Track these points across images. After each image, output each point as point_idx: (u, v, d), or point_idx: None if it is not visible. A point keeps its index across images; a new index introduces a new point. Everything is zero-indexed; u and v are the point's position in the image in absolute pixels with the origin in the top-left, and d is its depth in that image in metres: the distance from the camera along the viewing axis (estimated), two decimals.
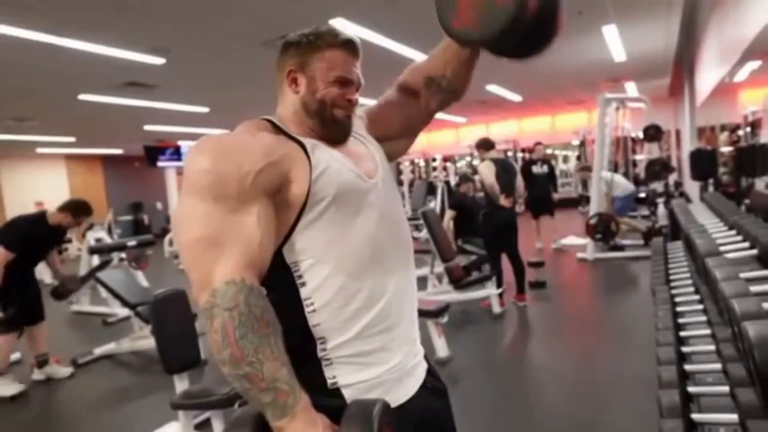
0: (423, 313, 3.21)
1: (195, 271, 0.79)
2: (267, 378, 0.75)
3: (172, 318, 2.34)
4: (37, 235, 3.45)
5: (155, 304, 2.31)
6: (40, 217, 3.53)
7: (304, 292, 0.86)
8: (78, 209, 3.58)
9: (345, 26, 4.22)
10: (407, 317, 0.96)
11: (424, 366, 0.99)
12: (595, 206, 6.12)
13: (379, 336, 0.89)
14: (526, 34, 0.92)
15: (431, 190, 9.87)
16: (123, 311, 4.85)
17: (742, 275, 1.36)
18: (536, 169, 6.97)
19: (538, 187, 6.88)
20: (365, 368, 0.87)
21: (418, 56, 5.55)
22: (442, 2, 0.92)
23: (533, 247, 6.75)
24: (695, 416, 1.31)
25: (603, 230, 5.88)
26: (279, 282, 0.86)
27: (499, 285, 4.33)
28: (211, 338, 0.76)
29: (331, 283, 0.86)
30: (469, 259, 5.08)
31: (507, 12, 0.85)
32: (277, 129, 0.92)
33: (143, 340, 3.94)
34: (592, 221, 5.95)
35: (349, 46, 0.96)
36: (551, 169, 7.23)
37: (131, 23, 3.92)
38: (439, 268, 4.50)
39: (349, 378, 0.86)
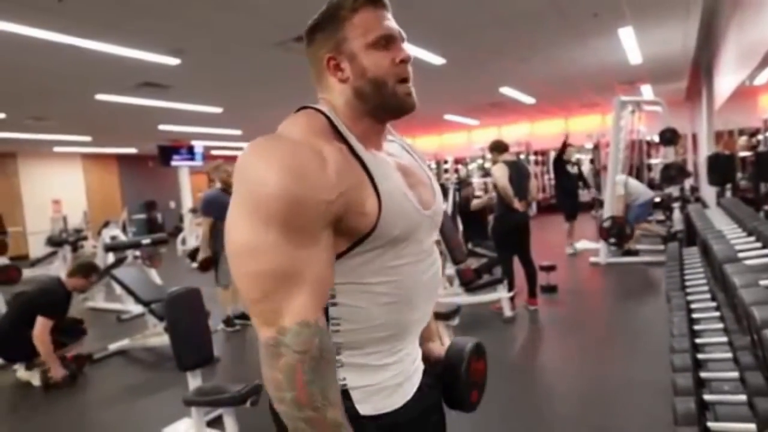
0: (434, 316, 3.20)
1: (261, 305, 0.74)
2: (329, 422, 0.74)
3: (186, 316, 2.37)
4: (62, 303, 3.59)
5: (169, 301, 2.33)
6: (58, 283, 3.66)
7: (332, 312, 0.84)
8: (85, 270, 3.71)
9: None
10: (417, 337, 0.97)
11: (421, 367, 1.00)
12: (609, 209, 6.06)
13: (392, 354, 0.89)
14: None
15: (443, 192, 9.84)
16: (137, 308, 4.91)
17: (762, 282, 1.34)
18: (569, 169, 6.95)
19: (573, 187, 6.88)
20: (375, 373, 0.88)
21: (427, 56, 5.56)
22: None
23: (553, 252, 6.69)
24: (711, 425, 1.29)
25: (617, 233, 5.82)
26: None
27: (510, 288, 4.31)
28: (272, 376, 0.73)
29: (361, 311, 0.84)
30: (480, 261, 5.06)
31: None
32: (334, 129, 0.84)
33: (157, 337, 3.99)
34: (606, 224, 5.90)
35: (372, 1, 0.86)
36: (580, 169, 7.23)
37: (147, 24, 3.98)
38: (450, 270, 4.49)
39: (358, 381, 0.86)
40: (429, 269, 0.92)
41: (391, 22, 0.88)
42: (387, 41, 0.86)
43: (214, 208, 4.19)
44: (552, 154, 12.48)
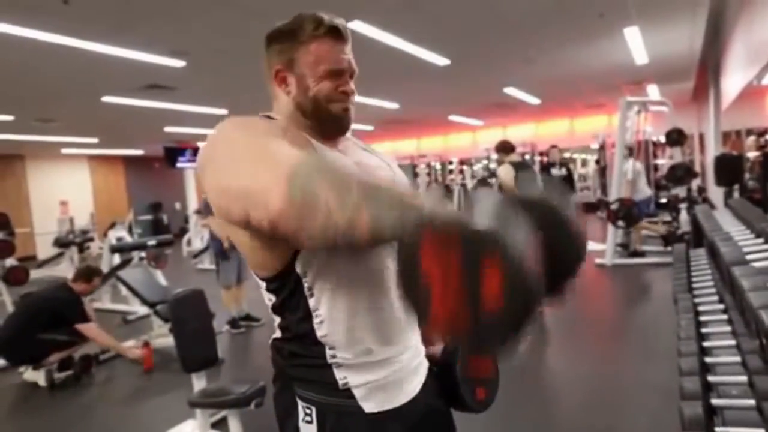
0: None
1: (258, 182, 0.69)
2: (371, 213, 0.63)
3: (191, 317, 2.37)
4: (73, 308, 3.62)
5: (174, 303, 2.34)
6: (66, 288, 3.70)
7: (312, 303, 0.85)
8: (86, 274, 3.75)
9: (363, 28, 4.23)
10: (412, 326, 0.96)
11: (425, 365, 1.00)
12: (616, 192, 6.04)
13: (386, 347, 0.89)
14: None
15: (448, 193, 9.84)
16: (142, 309, 4.93)
17: None
18: (555, 171, 6.91)
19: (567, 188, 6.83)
20: (373, 371, 0.88)
21: (432, 57, 5.55)
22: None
23: None
24: (719, 429, 1.27)
25: (625, 215, 5.79)
26: (290, 290, 0.86)
27: None
28: (324, 198, 0.64)
29: (339, 297, 0.85)
30: None
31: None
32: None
33: (162, 338, 4.00)
34: (614, 206, 5.87)
35: (334, 33, 0.89)
36: (569, 171, 7.17)
37: (152, 27, 4.00)
38: None
39: (359, 379, 0.87)
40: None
41: (346, 57, 0.91)
42: (336, 74, 0.90)
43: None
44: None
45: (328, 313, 0.85)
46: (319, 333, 0.86)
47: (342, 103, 0.91)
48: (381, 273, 0.89)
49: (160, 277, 5.81)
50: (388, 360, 0.89)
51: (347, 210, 0.63)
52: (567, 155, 12.07)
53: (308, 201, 0.65)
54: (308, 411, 0.87)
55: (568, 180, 7.14)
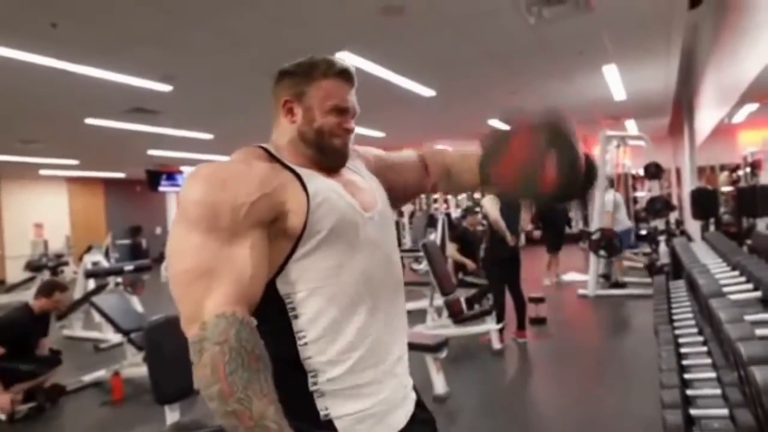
0: (421, 348, 3.15)
1: (184, 303, 0.79)
2: (255, 416, 0.74)
3: (167, 346, 2.30)
4: (24, 327, 3.50)
5: (149, 330, 2.27)
6: (23, 309, 3.60)
7: (296, 325, 0.86)
8: (47, 289, 3.65)
9: (351, 59, 4.31)
10: (396, 350, 0.96)
11: (413, 397, 0.99)
12: (597, 222, 6.13)
13: (370, 370, 0.89)
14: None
15: (431, 222, 9.89)
16: (116, 337, 4.77)
17: (747, 318, 1.35)
18: None
19: (558, 219, 6.92)
20: (357, 399, 0.87)
21: (417, 88, 5.66)
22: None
23: (538, 283, 6.70)
24: None
25: (606, 245, 5.86)
26: (271, 314, 0.85)
27: (499, 320, 4.28)
28: (200, 373, 0.76)
29: (324, 316, 0.86)
30: (468, 292, 5.04)
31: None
32: (272, 157, 0.93)
33: (135, 367, 3.87)
34: (595, 236, 5.94)
35: (344, 75, 0.97)
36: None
37: (139, 50, 4.02)
38: (439, 301, 4.46)
39: (342, 409, 0.85)
40: (383, 268, 0.95)
41: (351, 98, 0.98)
42: (340, 111, 0.96)
43: None
44: None
45: (314, 334, 0.85)
46: (303, 355, 0.85)
47: (342, 138, 0.97)
48: (372, 293, 0.90)
49: (137, 304, 5.67)
50: (373, 384, 0.88)
51: (236, 406, 0.74)
52: None
53: (202, 372, 0.76)
54: None
55: (563, 211, 7.26)
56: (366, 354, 0.88)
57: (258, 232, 0.83)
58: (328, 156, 0.96)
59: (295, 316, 0.85)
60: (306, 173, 0.90)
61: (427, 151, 1.21)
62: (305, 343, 0.85)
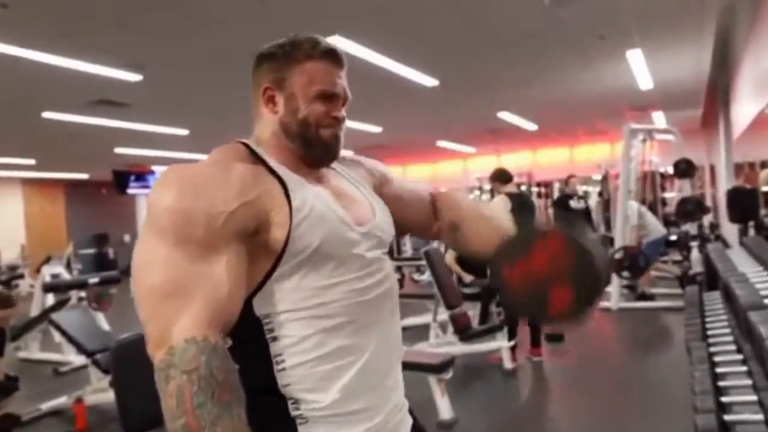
0: (424, 368, 3.15)
1: (151, 324, 0.78)
2: None
3: (137, 368, 2.28)
4: None
5: (117, 351, 2.25)
6: None
7: (274, 349, 0.85)
8: None
9: (344, 45, 4.32)
10: (391, 373, 0.96)
11: (408, 422, 1.00)
12: (620, 239, 6.13)
13: (363, 396, 0.89)
14: None
15: None
16: (79, 359, 4.75)
17: None
18: (574, 203, 7.01)
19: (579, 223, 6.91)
20: (347, 426, 0.87)
21: (418, 77, 5.67)
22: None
23: None
24: None
25: (630, 265, 5.86)
26: (245, 336, 0.85)
27: (511, 336, 4.28)
28: (165, 403, 0.75)
29: (307, 341, 0.85)
30: (475, 306, 5.04)
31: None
32: (254, 156, 0.92)
33: (101, 393, 3.85)
34: (618, 255, 5.94)
35: (331, 55, 0.95)
36: (587, 205, 7.30)
37: (105, 36, 4.02)
38: (444, 315, 4.45)
39: None
40: (379, 286, 0.94)
41: (340, 81, 0.96)
42: (328, 98, 0.94)
43: None
44: (557, 186, 12.70)
45: (294, 360, 0.85)
46: (281, 382, 0.85)
47: (332, 129, 0.95)
48: (364, 315, 0.89)
49: (103, 321, 5.64)
50: (368, 410, 0.88)
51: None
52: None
53: (167, 402, 0.75)
54: None
55: (586, 214, 7.26)
56: (355, 379, 0.88)
57: (235, 246, 0.81)
58: (315, 150, 0.95)
59: (273, 339, 0.85)
60: (292, 180, 0.89)
61: (441, 194, 1.18)
62: (283, 369, 0.85)
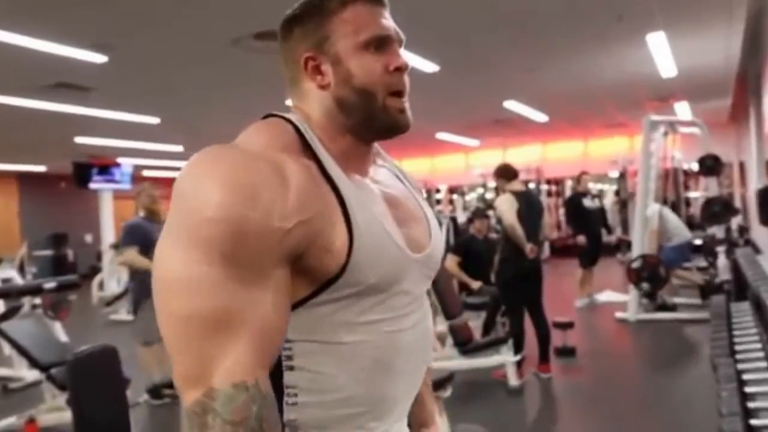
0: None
1: (187, 356, 0.71)
2: None
3: (97, 384, 2.28)
4: None
5: (75, 365, 2.24)
6: None
7: (288, 379, 0.82)
8: None
9: None
10: (406, 410, 0.96)
11: None
12: (639, 246, 6.15)
13: (374, 423, 0.87)
14: None
15: None
16: (31, 374, 4.72)
17: None
18: (588, 203, 7.02)
19: (593, 225, 6.94)
20: None
21: (426, 66, 5.67)
22: None
23: (565, 305, 6.72)
24: None
25: (650, 276, 5.87)
26: None
27: (517, 350, 4.29)
28: None
29: (324, 377, 0.82)
30: (479, 316, 5.04)
31: None
32: (305, 146, 0.84)
33: (56, 412, 3.83)
34: (635, 265, 5.96)
35: None
36: (602, 204, 7.34)
37: (67, 12, 3.99)
38: (443, 326, 4.45)
39: None
40: (416, 328, 0.90)
41: (388, 22, 0.89)
42: (381, 43, 0.87)
43: (137, 238, 4.27)
44: (569, 183, 12.76)
45: (309, 397, 0.82)
46: (288, 416, 0.82)
47: (397, 99, 0.89)
48: (396, 360, 0.87)
49: (60, 332, 5.61)
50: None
51: None
52: None
53: None
54: None
55: (601, 215, 7.29)
56: (371, 422, 0.87)
57: (283, 271, 0.75)
58: (379, 125, 0.89)
59: (290, 368, 0.81)
60: (351, 192, 0.82)
61: None
62: (294, 403, 0.81)
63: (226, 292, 0.71)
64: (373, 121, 0.88)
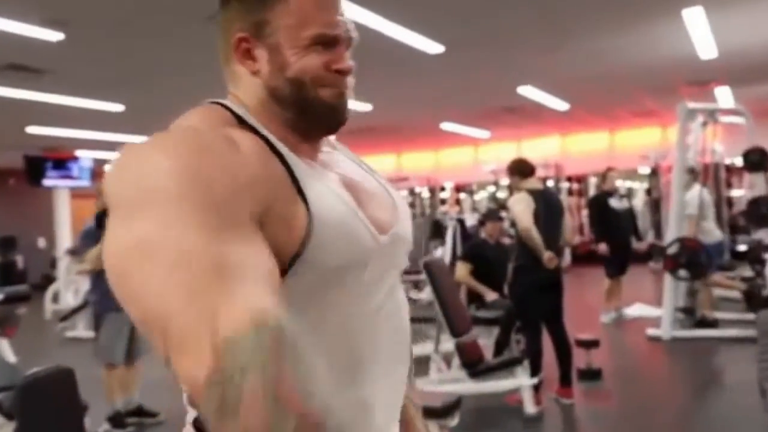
0: (423, 412, 3.13)
1: (176, 323, 0.62)
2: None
3: (50, 412, 2.27)
4: None
5: (25, 389, 2.24)
6: None
7: None
8: None
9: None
10: (395, 422, 0.97)
11: None
12: (675, 230, 6.16)
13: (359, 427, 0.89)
14: None
15: (438, 231, 9.92)
16: None
17: None
18: (615, 203, 7.00)
19: (622, 229, 6.93)
20: None
21: (419, 42, 5.68)
22: None
23: (590, 320, 6.72)
24: None
25: (688, 261, 5.85)
26: None
27: (534, 372, 4.28)
28: (244, 425, 0.57)
29: None
30: (491, 332, 5.04)
31: None
32: (248, 127, 0.85)
33: None
34: (671, 250, 5.94)
35: None
36: (631, 205, 7.34)
37: None
38: (449, 344, 4.45)
39: None
40: (387, 316, 0.92)
41: (341, 19, 0.89)
42: (327, 43, 0.87)
43: (93, 242, 4.26)
44: (593, 181, 12.78)
45: None
46: None
47: (336, 88, 0.89)
48: (369, 356, 0.89)
49: (7, 351, 5.61)
50: None
51: None
52: None
53: (242, 413, 0.58)
54: None
55: (631, 217, 7.28)
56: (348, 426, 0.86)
57: (259, 232, 0.74)
58: (316, 117, 0.90)
59: None
60: (303, 170, 0.83)
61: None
62: None
63: (207, 234, 0.67)
64: (307, 114, 0.89)
